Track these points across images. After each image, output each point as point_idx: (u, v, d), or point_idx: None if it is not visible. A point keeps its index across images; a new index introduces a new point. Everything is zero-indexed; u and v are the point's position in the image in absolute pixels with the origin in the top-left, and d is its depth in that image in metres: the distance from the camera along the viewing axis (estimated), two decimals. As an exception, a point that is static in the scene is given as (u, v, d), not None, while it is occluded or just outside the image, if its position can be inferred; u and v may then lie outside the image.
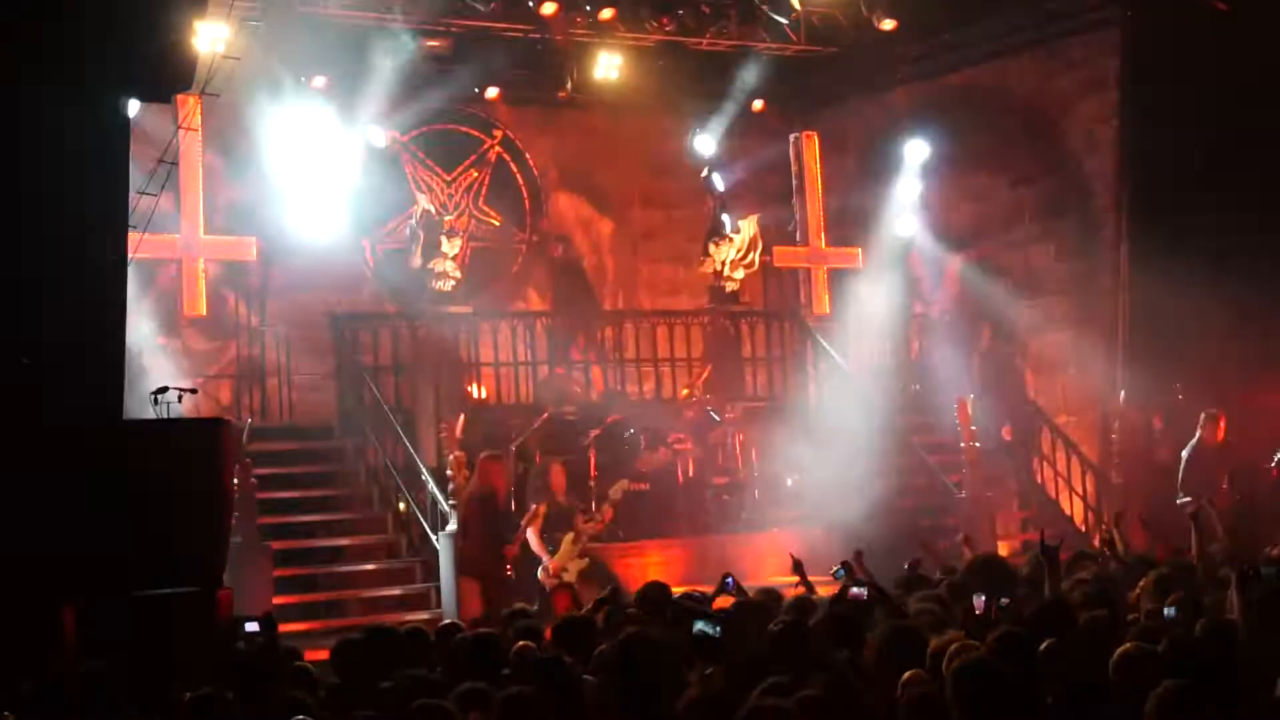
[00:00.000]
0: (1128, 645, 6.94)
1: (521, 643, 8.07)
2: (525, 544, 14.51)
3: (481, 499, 14.65)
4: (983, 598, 8.72)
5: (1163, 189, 16.95)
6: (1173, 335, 16.64)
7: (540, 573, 14.42)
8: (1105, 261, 18.27)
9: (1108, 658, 7.07)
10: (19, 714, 7.11)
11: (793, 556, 11.03)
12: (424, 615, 14.10)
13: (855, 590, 8.72)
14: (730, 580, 10.10)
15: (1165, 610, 8.41)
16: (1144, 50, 17.37)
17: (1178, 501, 14.97)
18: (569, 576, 14.33)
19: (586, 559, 14.64)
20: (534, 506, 14.67)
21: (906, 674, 7.00)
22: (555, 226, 20.86)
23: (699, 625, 7.35)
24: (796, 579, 10.82)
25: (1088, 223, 18.69)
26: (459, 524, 14.70)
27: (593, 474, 16.47)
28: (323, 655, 9.49)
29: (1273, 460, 15.45)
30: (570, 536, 14.57)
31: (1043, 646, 7.13)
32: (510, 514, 15.07)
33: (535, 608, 12.56)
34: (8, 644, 9.08)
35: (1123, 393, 17.49)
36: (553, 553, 14.48)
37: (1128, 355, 17.69)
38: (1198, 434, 15.75)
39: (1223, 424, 15.70)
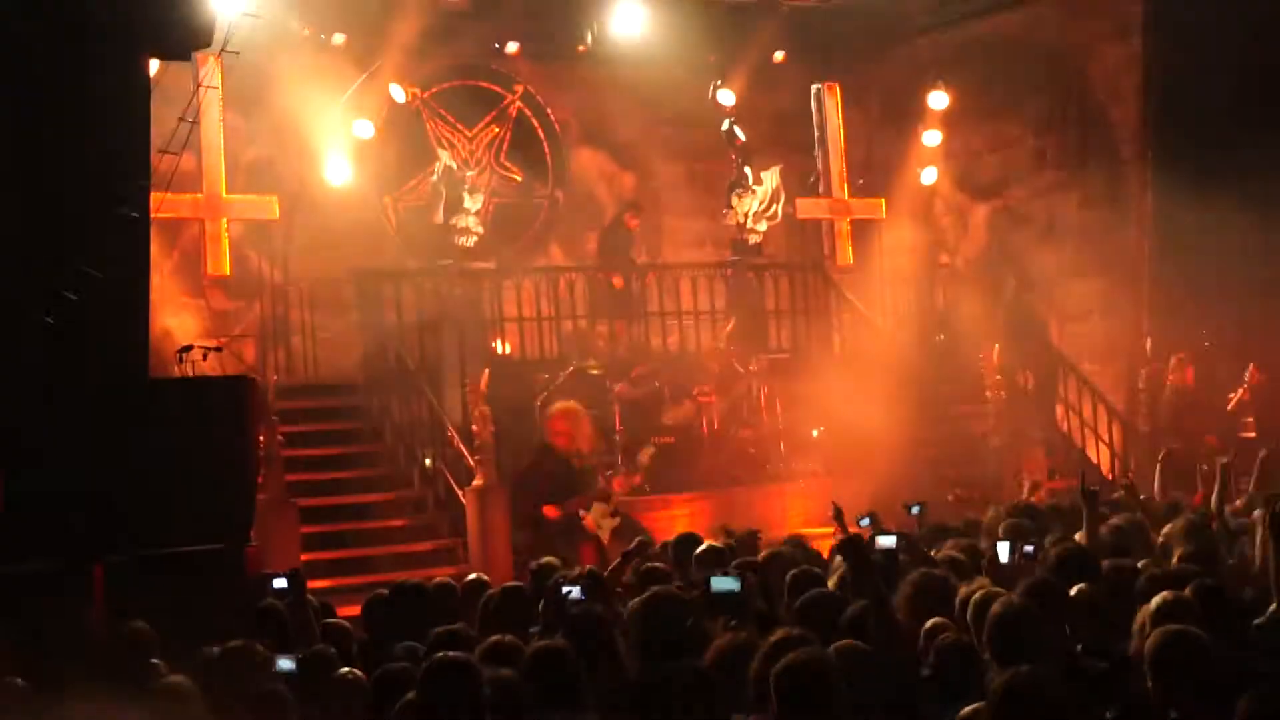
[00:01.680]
0: (1166, 594, 6.87)
1: (551, 595, 8.07)
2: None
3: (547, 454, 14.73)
4: (1008, 545, 8.73)
5: (1187, 136, 16.86)
6: (1199, 282, 16.60)
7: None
8: (1130, 209, 18.20)
9: (1133, 604, 7.07)
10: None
11: (834, 504, 10.99)
12: (451, 570, 14.13)
13: (883, 539, 8.71)
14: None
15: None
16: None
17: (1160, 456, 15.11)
18: (603, 535, 14.37)
19: (619, 517, 14.67)
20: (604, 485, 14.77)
21: (930, 621, 7.01)
22: (579, 182, 20.84)
23: (717, 580, 7.35)
24: (833, 528, 10.82)
25: (1112, 171, 18.61)
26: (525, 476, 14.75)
27: (618, 427, 16.50)
28: (351, 611, 9.54)
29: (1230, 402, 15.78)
30: (602, 494, 14.64)
31: (1072, 592, 7.12)
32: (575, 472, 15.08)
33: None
34: (38, 601, 9.13)
35: (1149, 340, 17.43)
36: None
37: (1153, 303, 17.63)
38: (1169, 380, 15.89)
39: (1191, 370, 15.90)
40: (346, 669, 7.31)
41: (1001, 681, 5.54)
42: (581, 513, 14.43)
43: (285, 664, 7.36)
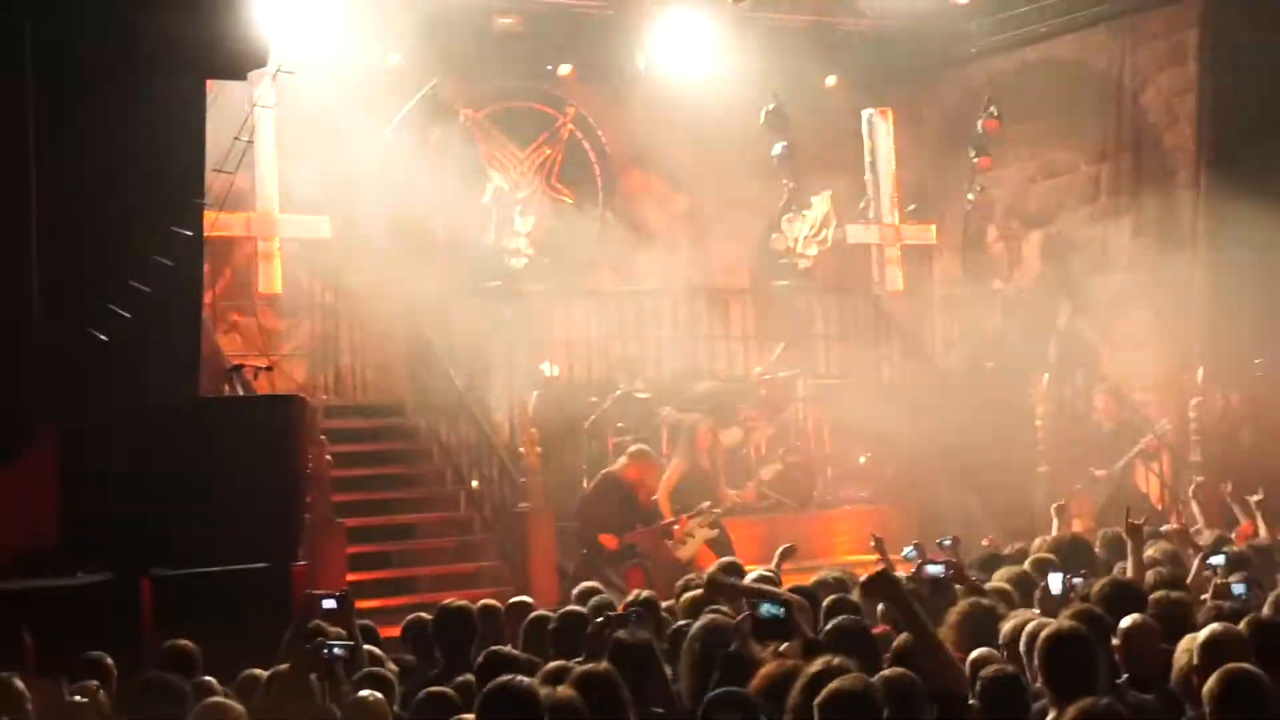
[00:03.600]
0: (1217, 627, 6.79)
1: (599, 620, 8.04)
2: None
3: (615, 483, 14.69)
4: (1059, 576, 8.66)
5: (1242, 163, 16.74)
6: (1252, 311, 16.45)
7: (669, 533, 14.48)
8: (1184, 237, 18.05)
9: (1177, 637, 6.99)
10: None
11: (874, 536, 11.02)
12: (495, 592, 14.11)
13: (931, 569, 8.66)
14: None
15: (1233, 588, 8.37)
16: (1223, 21, 17.15)
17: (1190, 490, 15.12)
18: (694, 543, 14.35)
19: (717, 530, 14.64)
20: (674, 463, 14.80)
21: (977, 652, 6.96)
22: (630, 204, 20.83)
23: (764, 608, 7.31)
24: (876, 557, 10.80)
25: (1166, 198, 18.46)
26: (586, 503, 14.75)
27: (664, 450, 16.45)
28: (395, 632, 9.54)
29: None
30: (708, 504, 14.64)
31: (1123, 625, 7.03)
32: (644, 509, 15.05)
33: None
34: (88, 618, 9.17)
35: (1200, 370, 17.28)
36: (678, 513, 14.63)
37: (1206, 332, 17.49)
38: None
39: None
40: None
41: (1076, 711, 5.50)
42: (682, 517, 14.43)
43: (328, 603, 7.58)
